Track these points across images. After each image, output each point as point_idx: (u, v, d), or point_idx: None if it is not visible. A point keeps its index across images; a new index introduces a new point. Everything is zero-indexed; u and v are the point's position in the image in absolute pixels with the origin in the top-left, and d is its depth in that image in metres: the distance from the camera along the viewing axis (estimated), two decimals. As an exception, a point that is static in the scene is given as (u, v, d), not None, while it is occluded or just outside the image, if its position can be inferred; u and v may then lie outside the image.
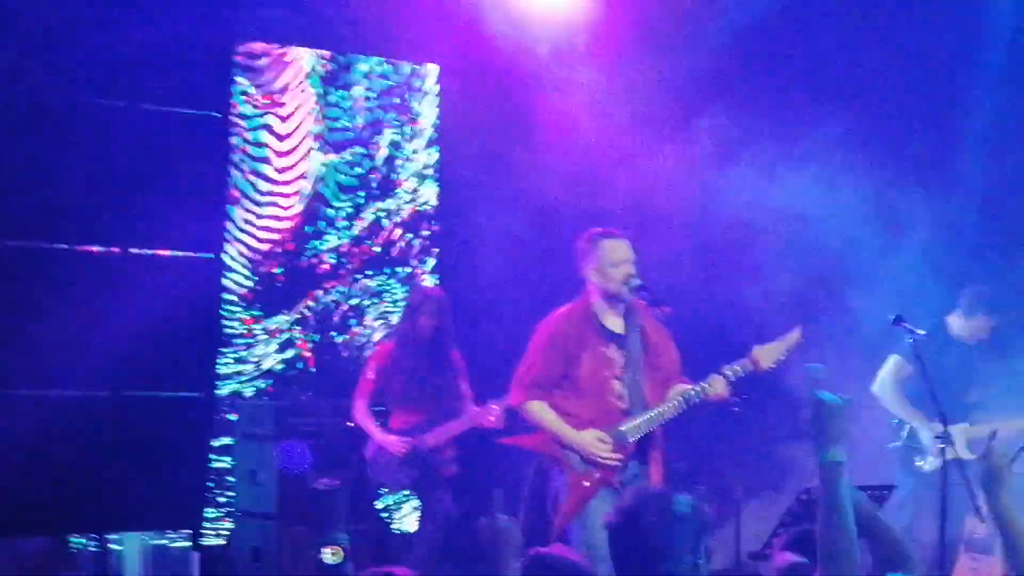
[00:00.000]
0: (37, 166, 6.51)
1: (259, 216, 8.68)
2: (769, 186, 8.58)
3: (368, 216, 9.14)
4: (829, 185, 8.43)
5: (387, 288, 9.17)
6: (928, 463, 7.43)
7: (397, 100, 9.24)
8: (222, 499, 8.20)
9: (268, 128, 8.72)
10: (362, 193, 9.13)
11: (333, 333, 8.97)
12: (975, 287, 7.74)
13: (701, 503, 3.49)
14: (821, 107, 8.53)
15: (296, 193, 8.83)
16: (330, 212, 9.00)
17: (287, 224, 8.80)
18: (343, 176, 9.06)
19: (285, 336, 8.78)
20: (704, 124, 8.76)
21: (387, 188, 9.22)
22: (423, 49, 9.14)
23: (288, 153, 8.80)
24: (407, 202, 9.28)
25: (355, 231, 9.08)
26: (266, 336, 8.69)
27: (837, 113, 8.46)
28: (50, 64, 6.78)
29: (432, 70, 9.33)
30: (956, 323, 7.73)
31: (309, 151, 8.88)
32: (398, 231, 9.24)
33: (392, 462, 7.51)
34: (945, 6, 8.49)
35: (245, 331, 8.62)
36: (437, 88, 9.35)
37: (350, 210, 9.08)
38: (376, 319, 9.12)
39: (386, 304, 9.13)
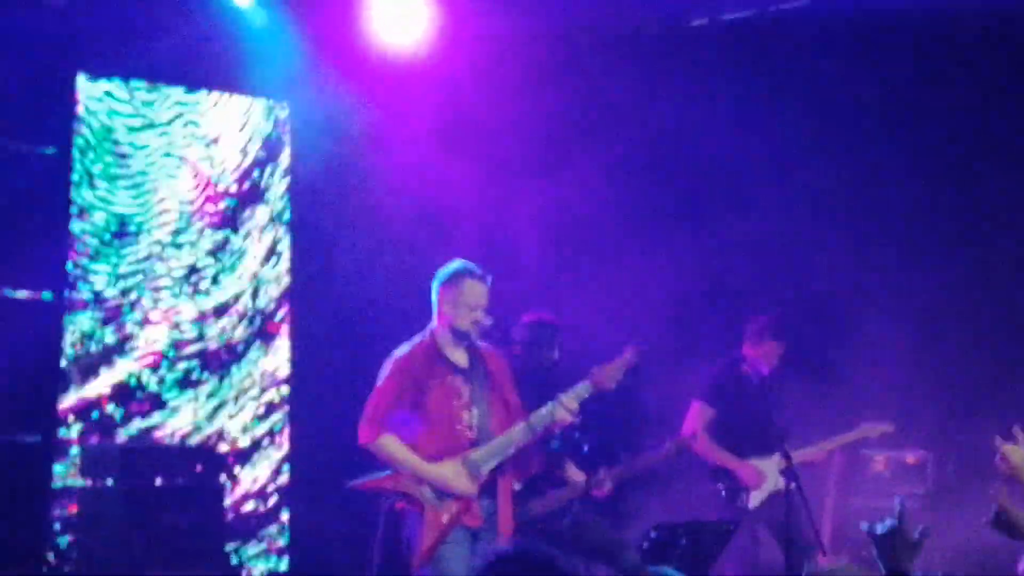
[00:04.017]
0: None
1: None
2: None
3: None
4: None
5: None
6: (753, 499, 7.55)
7: (253, 135, 9.11)
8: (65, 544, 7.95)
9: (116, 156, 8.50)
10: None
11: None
12: (758, 317, 7.83)
13: None
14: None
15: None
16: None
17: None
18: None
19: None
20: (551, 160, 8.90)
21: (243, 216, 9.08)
22: (274, 87, 9.06)
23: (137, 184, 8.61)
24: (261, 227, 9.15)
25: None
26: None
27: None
28: None
29: (282, 106, 9.22)
30: (747, 355, 7.73)
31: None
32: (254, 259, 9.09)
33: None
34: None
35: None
36: (287, 124, 9.23)
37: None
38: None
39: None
